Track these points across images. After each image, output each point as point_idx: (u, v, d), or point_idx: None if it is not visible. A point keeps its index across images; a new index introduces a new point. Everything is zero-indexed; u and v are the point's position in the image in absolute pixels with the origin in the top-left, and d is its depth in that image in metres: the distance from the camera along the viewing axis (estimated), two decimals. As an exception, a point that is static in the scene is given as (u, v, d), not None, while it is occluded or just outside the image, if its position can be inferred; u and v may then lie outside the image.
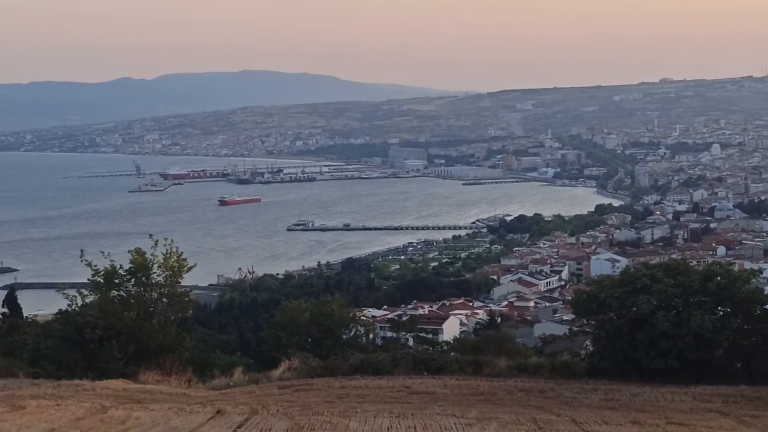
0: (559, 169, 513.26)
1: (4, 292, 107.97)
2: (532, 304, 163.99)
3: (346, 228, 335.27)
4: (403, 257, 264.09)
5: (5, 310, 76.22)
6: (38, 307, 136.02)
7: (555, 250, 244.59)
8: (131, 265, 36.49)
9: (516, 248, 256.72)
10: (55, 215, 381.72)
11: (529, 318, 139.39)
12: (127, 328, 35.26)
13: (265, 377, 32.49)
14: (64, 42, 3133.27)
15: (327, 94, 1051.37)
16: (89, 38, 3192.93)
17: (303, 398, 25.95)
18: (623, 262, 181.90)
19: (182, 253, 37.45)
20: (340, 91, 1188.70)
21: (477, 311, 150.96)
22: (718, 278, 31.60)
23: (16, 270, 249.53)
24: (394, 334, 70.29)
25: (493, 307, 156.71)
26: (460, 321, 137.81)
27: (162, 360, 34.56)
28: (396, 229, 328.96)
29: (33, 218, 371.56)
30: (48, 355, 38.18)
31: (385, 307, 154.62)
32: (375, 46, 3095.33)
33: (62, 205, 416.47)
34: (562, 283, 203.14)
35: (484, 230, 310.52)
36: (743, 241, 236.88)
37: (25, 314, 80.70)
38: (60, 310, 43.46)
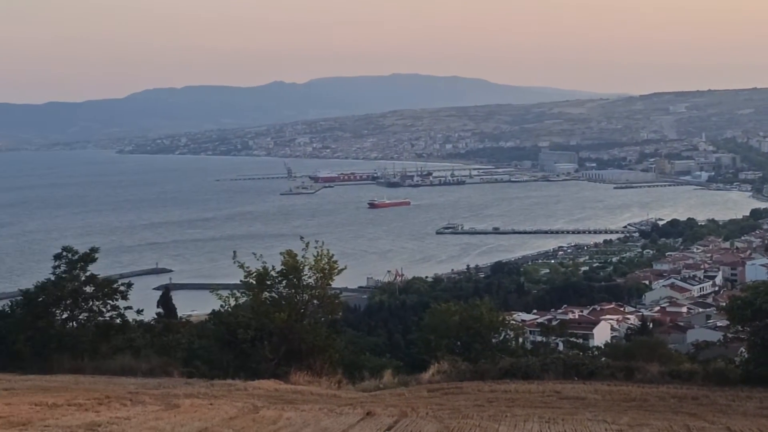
0: (713, 173, 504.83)
1: (159, 293, 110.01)
2: (684, 309, 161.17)
3: (496, 231, 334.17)
4: (553, 261, 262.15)
5: (160, 310, 77.51)
6: (192, 307, 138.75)
7: (709, 255, 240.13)
8: (283, 266, 36.83)
9: (668, 253, 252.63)
10: (210, 217, 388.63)
11: (681, 324, 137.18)
12: (279, 329, 35.60)
13: (415, 380, 32.50)
14: (219, 47, 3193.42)
15: (477, 97, 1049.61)
16: (243, 43, 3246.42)
17: (452, 401, 25.91)
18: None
19: (333, 255, 37.69)
20: (490, 94, 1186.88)
21: (628, 316, 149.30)
22: None
23: (170, 271, 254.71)
24: (544, 339, 69.95)
25: (645, 313, 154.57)
26: (611, 326, 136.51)
27: (312, 361, 34.84)
28: (546, 232, 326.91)
29: (189, 219, 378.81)
30: (201, 355, 38.78)
31: (535, 311, 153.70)
32: (525, 48, 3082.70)
33: (217, 207, 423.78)
34: (716, 288, 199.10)
35: (636, 234, 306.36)
36: None
37: (179, 314, 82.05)
38: (213, 310, 44.15)
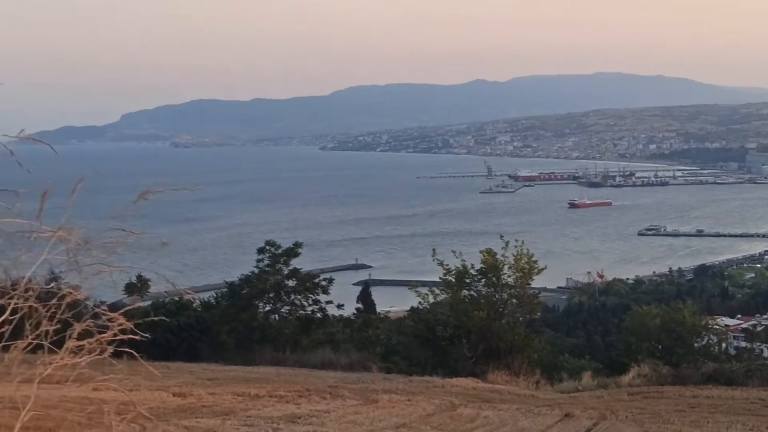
0: None
1: (359, 288, 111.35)
2: None
3: (699, 234, 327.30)
4: (759, 265, 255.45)
5: (360, 305, 78.55)
6: (390, 303, 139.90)
7: None
8: (482, 265, 36.85)
9: None
10: (411, 213, 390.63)
11: None
12: (477, 328, 35.67)
13: (614, 382, 32.13)
14: (422, 46, 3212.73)
15: (682, 97, 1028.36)
16: (447, 42, 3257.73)
17: (653, 405, 25.48)
18: None
19: (533, 254, 37.51)
20: (696, 94, 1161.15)
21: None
22: None
23: (370, 267, 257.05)
24: (749, 344, 68.05)
25: None
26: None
27: (510, 360, 34.80)
28: (752, 236, 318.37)
29: (392, 216, 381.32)
30: (400, 351, 39.18)
31: (739, 316, 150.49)
32: (732, 47, 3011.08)
33: (418, 204, 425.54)
34: None
35: None
36: None
37: (378, 310, 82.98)
38: (412, 307, 44.51)
